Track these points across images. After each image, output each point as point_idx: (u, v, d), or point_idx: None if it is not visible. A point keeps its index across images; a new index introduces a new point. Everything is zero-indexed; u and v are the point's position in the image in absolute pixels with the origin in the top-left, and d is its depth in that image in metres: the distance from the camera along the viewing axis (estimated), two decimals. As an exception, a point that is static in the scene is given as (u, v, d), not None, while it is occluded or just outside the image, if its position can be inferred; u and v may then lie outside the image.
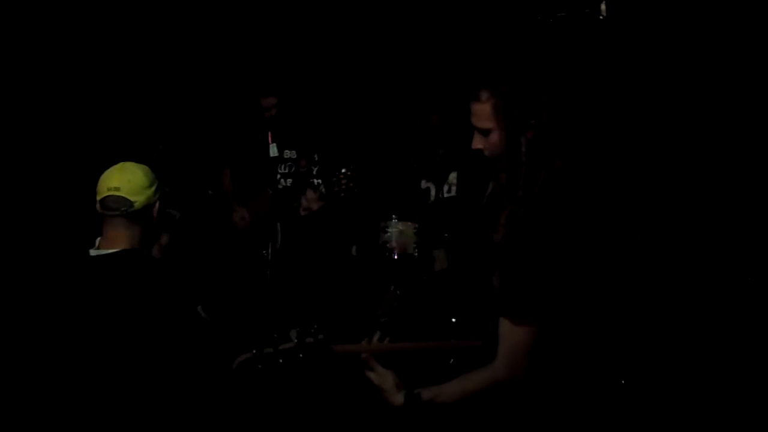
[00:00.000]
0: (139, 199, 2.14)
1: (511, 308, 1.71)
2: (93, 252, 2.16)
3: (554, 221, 1.70)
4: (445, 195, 3.61)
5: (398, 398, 1.75)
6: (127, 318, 2.04)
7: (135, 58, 3.99)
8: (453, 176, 3.58)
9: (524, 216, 1.72)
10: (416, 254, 3.39)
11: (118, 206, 2.12)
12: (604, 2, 3.13)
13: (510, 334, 1.71)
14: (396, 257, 3.38)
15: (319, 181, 3.38)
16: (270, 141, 3.75)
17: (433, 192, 3.63)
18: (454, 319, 3.01)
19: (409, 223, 3.41)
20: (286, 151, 3.82)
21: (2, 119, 3.61)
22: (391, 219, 3.41)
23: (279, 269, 3.64)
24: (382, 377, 1.78)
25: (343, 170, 3.17)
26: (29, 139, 3.68)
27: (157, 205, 2.21)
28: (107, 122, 3.91)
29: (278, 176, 3.81)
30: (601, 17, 3.04)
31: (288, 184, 3.80)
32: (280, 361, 1.71)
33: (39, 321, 2.19)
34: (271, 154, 3.76)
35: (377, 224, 3.45)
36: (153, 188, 2.18)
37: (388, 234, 3.40)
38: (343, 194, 3.17)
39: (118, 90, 3.98)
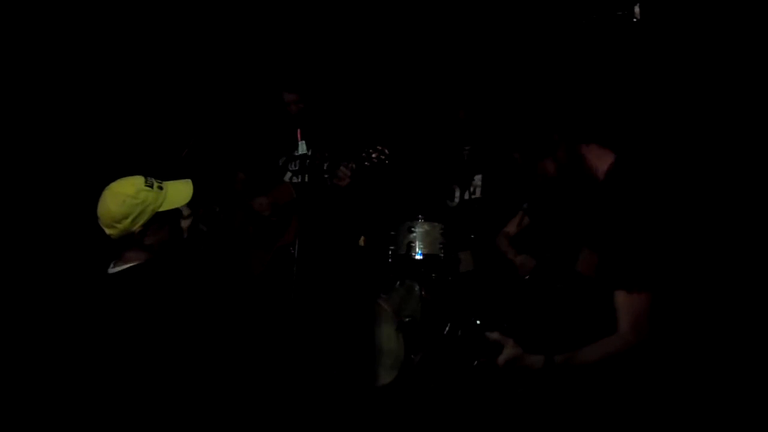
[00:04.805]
0: (112, 232, 2.10)
1: (630, 279, 1.93)
2: (110, 270, 2.16)
3: (651, 202, 1.99)
4: (471, 197, 3.60)
5: (537, 362, 1.92)
6: (141, 328, 2.03)
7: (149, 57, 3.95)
8: (478, 178, 3.56)
9: (627, 200, 1.98)
10: (442, 255, 3.38)
11: (108, 233, 2.13)
12: (638, 5, 3.09)
13: (631, 303, 1.93)
14: (421, 257, 3.37)
15: (347, 162, 3.30)
16: (299, 138, 3.73)
17: (457, 194, 3.61)
18: (478, 321, 2.99)
19: (436, 224, 3.41)
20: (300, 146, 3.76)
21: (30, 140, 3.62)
22: (417, 219, 3.41)
23: (304, 266, 3.62)
24: (516, 348, 1.95)
25: (378, 147, 3.17)
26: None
27: (137, 231, 2.11)
28: (138, 135, 3.88)
29: (289, 174, 3.77)
30: (635, 20, 3.00)
31: (298, 180, 3.74)
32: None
33: (60, 332, 2.22)
34: (300, 152, 3.73)
35: (402, 222, 3.44)
36: (129, 219, 2.08)
37: (414, 234, 3.39)
38: (373, 165, 3.18)
39: (141, 95, 3.96)
